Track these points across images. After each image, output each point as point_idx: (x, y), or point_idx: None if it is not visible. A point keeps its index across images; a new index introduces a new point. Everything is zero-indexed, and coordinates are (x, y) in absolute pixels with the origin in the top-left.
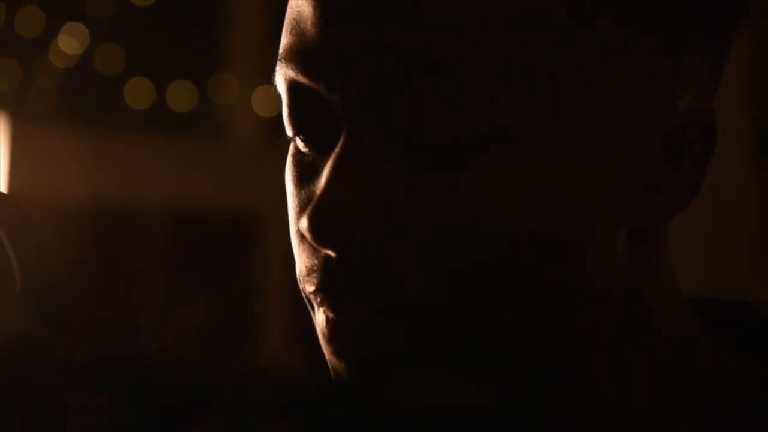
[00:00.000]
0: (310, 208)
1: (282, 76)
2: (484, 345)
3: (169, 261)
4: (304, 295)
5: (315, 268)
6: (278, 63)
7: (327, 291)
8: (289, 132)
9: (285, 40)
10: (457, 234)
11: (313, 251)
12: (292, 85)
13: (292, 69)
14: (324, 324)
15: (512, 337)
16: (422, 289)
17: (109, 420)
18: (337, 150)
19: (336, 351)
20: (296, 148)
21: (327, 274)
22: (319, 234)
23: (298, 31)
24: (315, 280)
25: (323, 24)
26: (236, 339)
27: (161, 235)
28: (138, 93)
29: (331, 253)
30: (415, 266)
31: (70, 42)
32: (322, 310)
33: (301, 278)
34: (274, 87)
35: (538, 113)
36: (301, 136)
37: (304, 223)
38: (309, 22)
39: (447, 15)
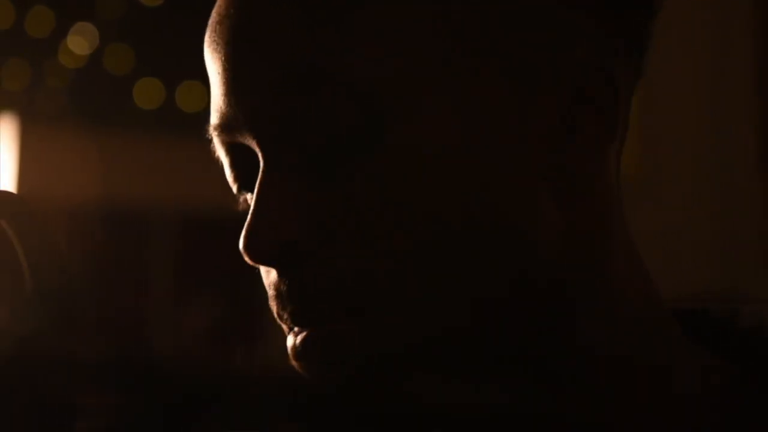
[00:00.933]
0: (241, 233)
1: (217, 143)
2: (443, 341)
3: (177, 261)
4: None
5: (273, 293)
6: (211, 135)
7: (284, 307)
8: (234, 190)
9: (211, 111)
10: (376, 234)
11: (266, 276)
12: (226, 149)
13: (216, 134)
14: (292, 343)
15: (469, 326)
16: (367, 285)
17: (119, 420)
18: (258, 180)
19: (308, 369)
20: (245, 204)
21: (279, 292)
22: (252, 252)
23: (213, 99)
24: (277, 304)
25: (224, 82)
26: (245, 339)
27: (170, 235)
28: (147, 93)
29: (271, 269)
30: (350, 266)
31: (80, 42)
32: (290, 333)
33: (273, 311)
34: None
35: (424, 94)
36: (243, 191)
37: (240, 248)
38: (215, 87)
39: (325, 26)
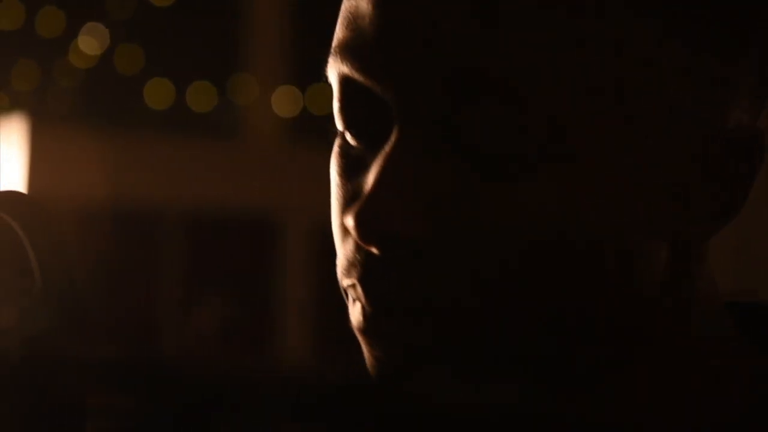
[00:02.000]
0: (357, 205)
1: (335, 70)
2: (518, 351)
3: (186, 261)
4: (341, 286)
5: (356, 262)
6: (331, 56)
7: (365, 285)
8: (339, 126)
9: (340, 33)
10: (502, 242)
11: (356, 246)
12: (345, 80)
13: (346, 64)
14: (360, 317)
15: (551, 343)
16: (460, 294)
17: (128, 420)
18: (387, 149)
19: (369, 344)
20: (344, 140)
21: (367, 270)
22: (364, 233)
23: (354, 26)
24: (355, 274)
25: (383, 23)
26: (256, 339)
27: (180, 234)
28: (157, 93)
29: (374, 250)
30: (457, 271)
31: (90, 42)
32: (358, 303)
33: (341, 270)
34: (294, 87)
35: (597, 132)
36: (351, 131)
37: (349, 220)
38: (367, 19)
39: (511, 35)
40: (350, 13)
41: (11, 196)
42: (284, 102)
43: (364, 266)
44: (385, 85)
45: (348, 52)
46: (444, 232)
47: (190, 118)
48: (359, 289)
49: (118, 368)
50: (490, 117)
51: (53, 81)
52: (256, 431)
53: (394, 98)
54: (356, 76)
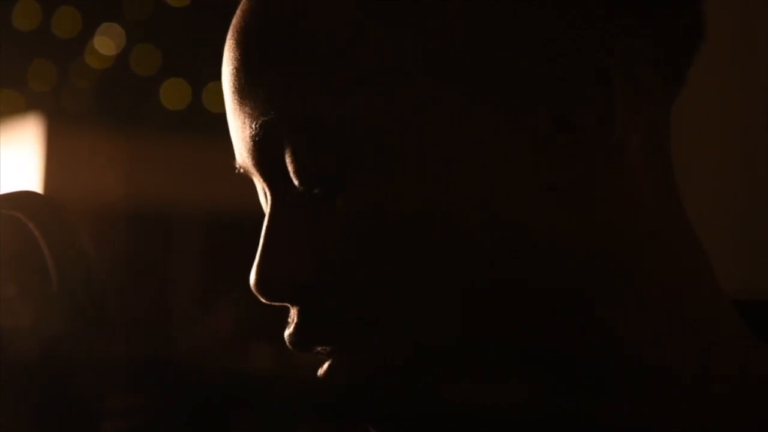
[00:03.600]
0: (251, 271)
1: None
2: (463, 341)
3: (203, 261)
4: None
5: (291, 325)
6: None
7: (313, 343)
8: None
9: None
10: (369, 255)
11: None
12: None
13: (241, 171)
14: (326, 369)
15: (485, 330)
16: (387, 309)
17: (145, 420)
18: (266, 216)
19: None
20: None
21: (304, 332)
22: (261, 287)
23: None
24: (295, 339)
25: (231, 128)
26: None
27: (196, 235)
28: (174, 94)
29: (287, 305)
30: (360, 296)
31: (106, 43)
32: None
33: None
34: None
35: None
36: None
37: (251, 284)
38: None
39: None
40: None
41: (27, 196)
42: None
43: (291, 319)
44: (250, 167)
45: (236, 159)
46: (326, 269)
47: (206, 118)
48: (319, 349)
49: (135, 367)
50: (292, 156)
51: (69, 81)
52: (274, 431)
53: (257, 173)
54: (247, 174)
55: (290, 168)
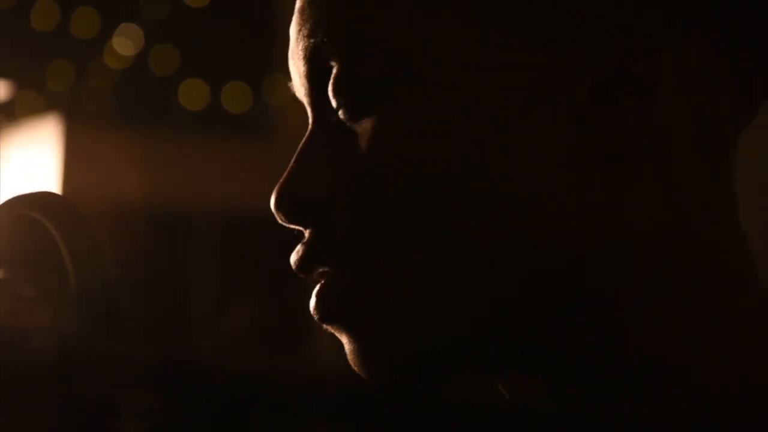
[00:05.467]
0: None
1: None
2: (459, 329)
3: (222, 262)
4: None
5: (300, 251)
6: None
7: (311, 266)
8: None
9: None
10: (381, 192)
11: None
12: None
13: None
14: (314, 296)
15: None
16: (396, 249)
17: (165, 421)
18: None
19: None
20: None
21: (307, 252)
22: (282, 211)
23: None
24: (297, 260)
25: (290, 47)
26: (290, 340)
27: (215, 235)
28: (192, 94)
29: (302, 229)
30: (349, 236)
31: (125, 43)
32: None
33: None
34: None
35: (442, 51)
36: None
37: (272, 205)
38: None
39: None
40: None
41: (45, 197)
42: None
43: (305, 250)
44: (298, 86)
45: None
46: (343, 190)
47: (225, 118)
48: (313, 273)
49: (154, 368)
50: (334, 74)
51: (88, 81)
52: (292, 431)
53: (304, 93)
54: (297, 95)
55: (330, 87)
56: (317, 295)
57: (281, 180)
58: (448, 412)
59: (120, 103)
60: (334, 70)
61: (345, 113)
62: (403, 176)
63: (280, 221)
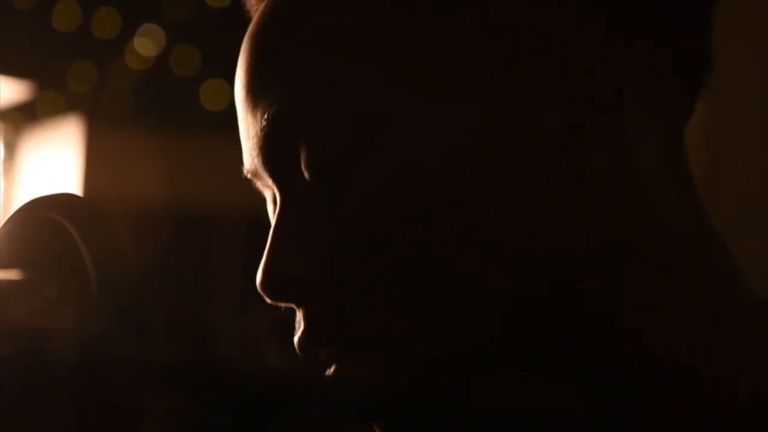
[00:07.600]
0: (258, 269)
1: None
2: (472, 340)
3: (245, 263)
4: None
5: (300, 329)
6: None
7: (320, 345)
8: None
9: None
10: (375, 242)
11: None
12: (261, 191)
13: (251, 180)
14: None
15: (488, 326)
16: (393, 307)
17: (185, 422)
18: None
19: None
20: None
21: (308, 338)
22: (267, 288)
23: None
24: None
25: (242, 114)
26: None
27: (236, 236)
28: (214, 95)
29: (292, 305)
30: (370, 288)
31: (146, 44)
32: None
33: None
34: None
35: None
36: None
37: (257, 284)
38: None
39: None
40: None
41: (66, 198)
42: None
43: (299, 323)
44: (252, 174)
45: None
46: (327, 261)
47: None
48: (326, 353)
49: (176, 369)
50: (303, 145)
51: (109, 82)
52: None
53: (266, 173)
54: (256, 183)
55: (301, 158)
56: (335, 374)
57: (263, 261)
58: (469, 412)
59: (141, 103)
60: (300, 143)
61: (318, 180)
62: (386, 236)
63: (268, 299)
